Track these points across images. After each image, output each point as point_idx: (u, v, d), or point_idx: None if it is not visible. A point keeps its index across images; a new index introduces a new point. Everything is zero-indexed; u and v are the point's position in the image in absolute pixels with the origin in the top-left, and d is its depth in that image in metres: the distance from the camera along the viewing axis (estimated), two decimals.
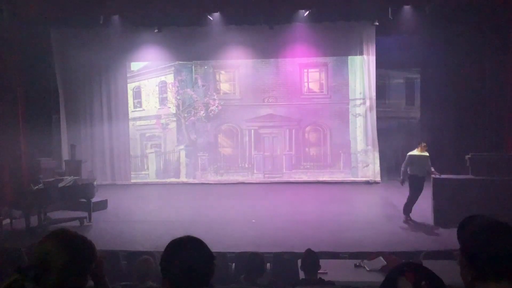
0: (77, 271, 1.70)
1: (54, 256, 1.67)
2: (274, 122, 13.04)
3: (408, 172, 8.56)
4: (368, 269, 4.75)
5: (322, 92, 12.89)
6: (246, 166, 13.07)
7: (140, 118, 13.50)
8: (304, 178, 12.87)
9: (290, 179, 12.91)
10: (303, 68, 12.93)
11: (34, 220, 8.26)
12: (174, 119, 13.36)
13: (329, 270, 4.59)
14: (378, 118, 12.84)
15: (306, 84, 12.94)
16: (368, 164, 12.77)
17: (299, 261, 4.50)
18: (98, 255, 1.89)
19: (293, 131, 13.00)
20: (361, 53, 12.62)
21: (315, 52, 12.77)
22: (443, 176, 8.51)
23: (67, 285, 1.69)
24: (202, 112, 13.21)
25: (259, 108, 12.97)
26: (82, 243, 1.77)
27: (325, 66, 12.84)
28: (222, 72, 13.22)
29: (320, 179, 12.81)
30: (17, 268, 1.64)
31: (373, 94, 12.57)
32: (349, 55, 12.74)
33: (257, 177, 13.02)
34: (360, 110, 12.71)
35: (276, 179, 12.91)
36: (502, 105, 10.89)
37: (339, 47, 12.66)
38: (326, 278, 4.35)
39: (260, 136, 13.07)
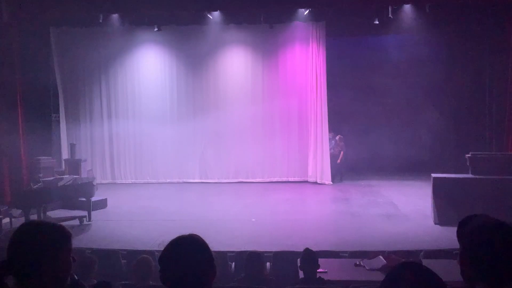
0: (49, 256, 1.68)
1: (23, 250, 1.66)
2: (273, 120, 13.01)
3: None
4: (367, 268, 4.75)
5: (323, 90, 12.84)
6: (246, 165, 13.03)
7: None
8: (305, 177, 12.84)
9: (290, 179, 12.87)
10: (302, 67, 12.88)
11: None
12: None
13: (329, 269, 4.60)
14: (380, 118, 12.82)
15: (305, 83, 12.89)
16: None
17: (299, 260, 4.51)
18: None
19: (293, 129, 12.95)
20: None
21: (314, 51, 12.75)
22: (442, 175, 8.52)
23: (48, 275, 1.68)
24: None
25: (259, 106, 12.93)
26: (49, 230, 1.73)
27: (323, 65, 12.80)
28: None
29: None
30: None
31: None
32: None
33: (257, 176, 12.99)
34: None
35: (275, 179, 12.88)
36: (502, 105, 10.89)
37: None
38: (326, 277, 4.35)
39: (259, 135, 13.01)
